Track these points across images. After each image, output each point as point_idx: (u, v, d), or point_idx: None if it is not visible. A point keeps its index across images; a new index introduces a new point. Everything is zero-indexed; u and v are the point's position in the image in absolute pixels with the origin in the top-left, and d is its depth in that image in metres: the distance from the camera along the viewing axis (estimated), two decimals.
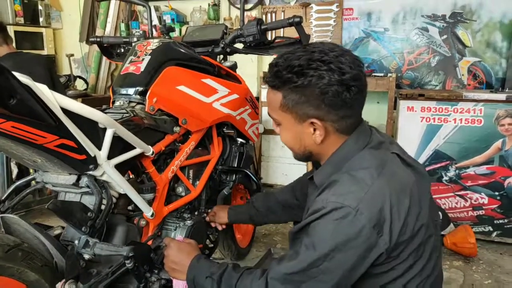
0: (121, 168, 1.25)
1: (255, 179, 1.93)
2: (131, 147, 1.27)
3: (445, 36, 3.34)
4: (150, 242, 1.39)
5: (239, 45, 1.89)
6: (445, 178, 2.60)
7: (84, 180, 1.15)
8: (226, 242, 2.17)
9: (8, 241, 1.07)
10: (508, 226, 2.56)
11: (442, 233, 2.58)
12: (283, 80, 1.02)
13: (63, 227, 1.28)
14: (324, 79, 0.97)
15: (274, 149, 3.73)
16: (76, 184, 1.15)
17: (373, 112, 3.63)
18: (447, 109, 2.53)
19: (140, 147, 1.30)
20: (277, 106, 1.07)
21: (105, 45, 2.02)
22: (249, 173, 1.91)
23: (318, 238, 0.97)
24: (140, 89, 1.44)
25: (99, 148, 1.15)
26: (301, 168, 3.64)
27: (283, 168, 3.74)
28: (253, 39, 1.77)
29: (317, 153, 1.11)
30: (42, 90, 0.94)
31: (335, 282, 0.98)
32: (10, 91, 0.85)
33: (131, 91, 1.45)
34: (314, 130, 1.04)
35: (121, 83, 1.48)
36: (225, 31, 1.89)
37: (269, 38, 1.85)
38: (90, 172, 1.15)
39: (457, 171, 2.57)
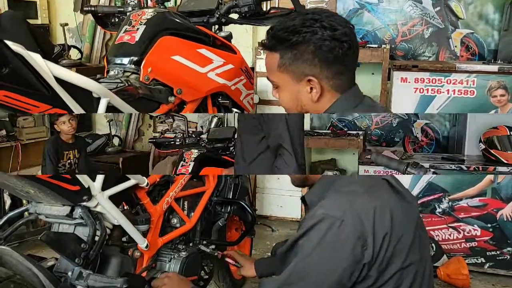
0: (116, 199, 1.26)
1: (250, 210, 1.93)
2: (126, 178, 1.29)
3: (438, 8, 3.31)
4: (144, 274, 1.38)
5: (234, 16, 1.88)
6: (438, 210, 2.61)
7: (78, 211, 1.16)
8: (221, 273, 2.15)
9: (0, 273, 1.06)
10: (500, 257, 2.55)
11: (436, 264, 2.57)
12: (279, 40, 1.06)
13: (56, 259, 1.27)
14: (317, 35, 1.01)
15: (269, 181, 3.72)
16: (69, 215, 1.16)
17: (367, 83, 3.53)
18: (440, 80, 2.53)
19: (134, 178, 1.31)
20: (275, 67, 1.09)
21: (99, 14, 1.98)
22: (244, 204, 1.91)
23: (305, 252, 0.99)
24: (135, 58, 1.44)
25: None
26: (296, 200, 3.62)
27: (278, 199, 3.71)
28: (248, 9, 1.76)
29: (314, 112, 1.13)
30: (35, 58, 0.94)
31: None
32: (2, 59, 0.85)
33: (125, 60, 1.44)
34: (311, 89, 1.07)
35: (115, 53, 1.48)
36: (220, 1, 1.87)
37: (264, 9, 1.85)
38: (84, 203, 1.15)
39: (450, 203, 2.58)
